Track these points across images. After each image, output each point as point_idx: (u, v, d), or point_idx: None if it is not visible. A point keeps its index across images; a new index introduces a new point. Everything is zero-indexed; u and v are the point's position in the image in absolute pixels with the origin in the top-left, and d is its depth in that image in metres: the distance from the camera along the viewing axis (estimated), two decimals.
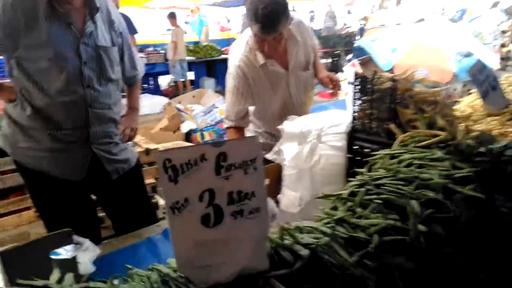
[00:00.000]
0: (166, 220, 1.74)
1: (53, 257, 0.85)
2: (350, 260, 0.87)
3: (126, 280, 0.78)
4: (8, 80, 1.65)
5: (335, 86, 2.21)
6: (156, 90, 7.91)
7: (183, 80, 8.04)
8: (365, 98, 1.57)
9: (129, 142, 1.90)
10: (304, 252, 0.82)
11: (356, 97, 1.60)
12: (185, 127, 4.42)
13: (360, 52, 6.26)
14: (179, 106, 4.61)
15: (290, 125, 1.80)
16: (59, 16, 1.56)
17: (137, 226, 1.67)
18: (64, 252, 1.30)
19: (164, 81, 8.60)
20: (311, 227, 0.98)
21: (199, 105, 4.75)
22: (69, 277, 0.75)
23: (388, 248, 0.96)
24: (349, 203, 1.09)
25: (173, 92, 7.79)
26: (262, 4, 1.76)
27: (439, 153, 1.29)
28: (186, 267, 0.73)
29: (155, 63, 7.67)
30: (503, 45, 9.25)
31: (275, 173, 1.81)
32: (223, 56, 8.59)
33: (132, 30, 7.21)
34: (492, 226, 1.15)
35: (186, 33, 8.57)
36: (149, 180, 2.76)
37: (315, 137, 1.70)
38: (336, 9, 12.82)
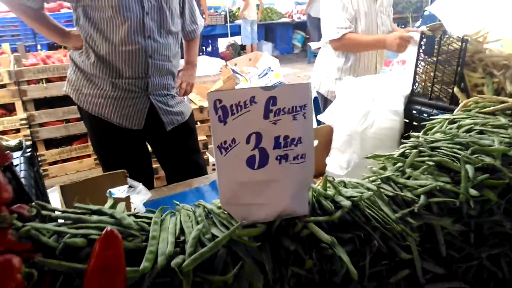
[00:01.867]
0: (214, 172, 1.80)
1: (108, 194, 0.91)
2: (392, 216, 0.86)
3: (173, 213, 0.82)
4: (74, 29, 1.74)
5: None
6: (214, 52, 7.98)
7: (252, 44, 7.99)
8: (429, 59, 1.48)
9: (185, 96, 1.95)
10: (346, 203, 0.82)
11: (420, 58, 1.52)
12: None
13: (430, 20, 5.81)
14: (234, 68, 4.64)
15: (345, 86, 1.76)
16: None
17: (188, 177, 1.74)
18: (118, 192, 1.40)
19: (222, 43, 8.64)
20: (356, 182, 0.97)
21: (255, 68, 4.74)
22: (121, 205, 0.80)
23: (435, 210, 0.93)
24: (399, 164, 1.06)
25: (230, 54, 7.82)
26: None
27: (503, 120, 1.21)
28: (229, 204, 0.76)
29: (215, 24, 7.68)
30: None
31: (327, 135, 1.80)
32: (283, 19, 8.42)
33: None
34: None
35: None
36: (201, 137, 2.83)
37: (370, 100, 1.65)
38: None
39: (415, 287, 0.90)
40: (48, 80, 3.08)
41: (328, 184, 0.89)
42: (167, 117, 1.82)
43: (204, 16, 7.17)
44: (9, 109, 3.09)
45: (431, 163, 1.02)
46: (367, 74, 2.42)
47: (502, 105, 1.26)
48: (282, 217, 0.75)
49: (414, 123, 1.54)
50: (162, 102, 1.79)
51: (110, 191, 0.97)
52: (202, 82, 5.47)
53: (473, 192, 0.94)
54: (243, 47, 7.84)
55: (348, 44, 2.31)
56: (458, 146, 1.08)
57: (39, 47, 4.60)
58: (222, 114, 0.73)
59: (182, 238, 0.73)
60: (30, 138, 3.08)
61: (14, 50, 3.47)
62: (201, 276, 0.66)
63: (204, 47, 7.92)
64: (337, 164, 1.71)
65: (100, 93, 1.74)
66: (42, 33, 1.75)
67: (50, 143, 3.27)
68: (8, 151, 0.72)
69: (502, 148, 1.06)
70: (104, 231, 0.61)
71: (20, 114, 3.05)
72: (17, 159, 1.03)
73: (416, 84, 1.55)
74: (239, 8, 8.01)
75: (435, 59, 1.45)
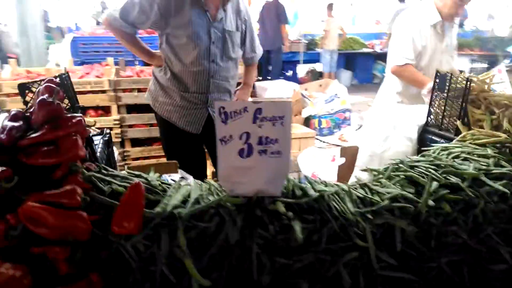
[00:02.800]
0: None
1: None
2: (352, 210, 1.11)
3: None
4: (158, 51, 2.21)
5: None
6: (294, 77, 8.39)
7: (330, 72, 8.35)
8: (442, 95, 1.68)
9: None
10: (312, 193, 1.09)
11: (435, 94, 1.72)
12: (305, 112, 4.75)
13: None
14: (304, 92, 4.95)
15: (372, 113, 1.99)
16: (199, 4, 2.03)
17: None
18: (169, 179, 1.78)
19: (303, 69, 9.03)
20: (337, 184, 1.23)
21: (324, 94, 5.01)
22: (156, 175, 1.16)
23: (396, 213, 1.15)
24: (380, 176, 1.29)
25: (308, 80, 8.16)
26: None
27: (489, 151, 1.37)
28: (224, 181, 1.07)
29: (296, 51, 8.11)
30: None
31: (354, 154, 2.03)
32: (365, 49, 8.59)
33: (284, 20, 7.79)
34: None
35: (342, 25, 8.80)
36: None
37: (391, 127, 1.86)
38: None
39: (371, 272, 1.12)
40: (139, 90, 3.69)
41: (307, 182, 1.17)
42: None
43: (284, 43, 7.67)
44: (106, 110, 3.74)
45: (402, 176, 1.24)
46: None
47: (493, 138, 1.42)
48: (258, 194, 1.05)
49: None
50: None
51: (161, 175, 1.32)
52: None
53: (430, 202, 1.15)
54: (322, 74, 8.16)
55: (406, 75, 2.53)
56: (433, 167, 1.28)
57: (136, 62, 5.37)
58: (224, 117, 1.06)
59: (188, 199, 1.06)
60: (120, 136, 3.70)
61: (116, 63, 4.18)
62: (192, 222, 0.98)
63: (284, 72, 8.37)
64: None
65: (171, 101, 2.18)
66: (133, 52, 2.24)
67: (136, 142, 3.86)
68: (88, 127, 1.12)
69: (471, 172, 1.24)
70: (134, 183, 0.96)
71: (115, 115, 3.68)
72: (98, 140, 1.45)
73: (431, 116, 1.73)
74: (322, 37, 8.38)
75: (446, 95, 1.64)
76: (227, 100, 2.20)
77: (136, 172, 1.14)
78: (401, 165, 1.30)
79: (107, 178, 1.05)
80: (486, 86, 1.59)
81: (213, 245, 0.98)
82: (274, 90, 6.63)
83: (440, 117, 1.68)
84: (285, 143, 1.07)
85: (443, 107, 1.66)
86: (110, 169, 1.14)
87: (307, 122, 4.68)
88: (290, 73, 8.63)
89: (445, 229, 1.16)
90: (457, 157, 1.39)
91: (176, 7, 2.00)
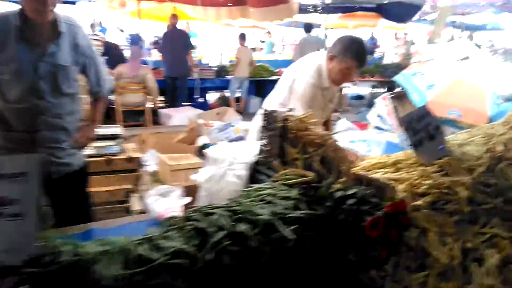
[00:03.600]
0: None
1: None
2: (118, 272, 1.00)
3: None
4: None
5: None
6: (203, 104, 8.35)
7: (242, 97, 8.49)
8: (266, 133, 1.66)
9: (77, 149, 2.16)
10: (69, 257, 0.97)
11: (262, 131, 1.70)
12: (201, 141, 4.68)
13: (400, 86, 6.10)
14: (200, 120, 4.89)
15: (213, 150, 1.94)
16: (26, 38, 1.87)
17: (72, 223, 1.90)
18: None
19: (213, 96, 9.05)
20: (114, 241, 1.12)
21: (220, 122, 4.98)
22: None
23: (174, 270, 1.07)
24: (172, 226, 1.21)
25: (218, 106, 8.17)
26: (361, 45, 2.40)
27: (292, 192, 1.36)
28: None
29: (206, 78, 8.11)
30: None
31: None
32: (274, 77, 8.82)
33: (189, 46, 7.78)
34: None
35: (252, 52, 9.02)
36: (125, 186, 3.03)
37: (227, 164, 1.82)
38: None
39: None
40: None
41: None
42: (54, 167, 2.02)
43: (191, 69, 7.65)
44: None
45: (192, 226, 1.17)
46: None
47: (301, 179, 1.41)
48: None
49: None
50: (50, 154, 2.00)
51: None
52: (176, 132, 5.71)
53: (209, 256, 1.08)
54: (229, 101, 8.24)
55: None
56: (229, 213, 1.23)
57: None
58: None
59: None
60: None
61: None
62: None
63: (194, 98, 8.31)
64: None
65: None
66: None
67: None
68: None
69: (264, 218, 1.20)
70: None
71: None
72: None
73: (261, 153, 1.71)
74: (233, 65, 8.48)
75: (268, 133, 1.63)
76: (61, 138, 2.03)
77: None
78: (195, 213, 1.23)
79: None
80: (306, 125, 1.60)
81: None
82: (178, 117, 6.52)
83: (267, 155, 1.66)
84: (29, 203, 0.94)
85: (269, 146, 1.65)
86: None
87: (202, 151, 4.60)
88: (201, 99, 8.58)
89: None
90: (262, 199, 1.36)
91: (1, 41, 1.83)
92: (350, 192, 1.32)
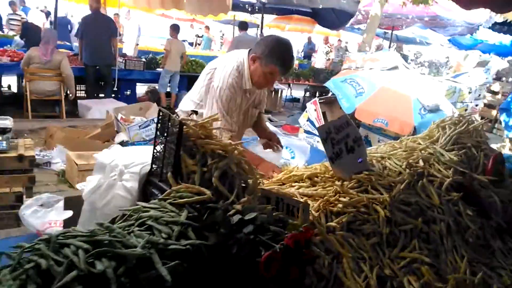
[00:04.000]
0: None
1: None
2: None
3: None
4: None
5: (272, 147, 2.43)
6: (132, 97, 7.80)
7: (171, 93, 8.03)
8: (162, 139, 1.38)
9: None
10: None
11: (156, 136, 1.42)
12: (118, 138, 4.26)
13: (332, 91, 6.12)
14: (120, 115, 4.46)
15: (104, 155, 1.62)
16: None
17: None
18: None
19: (143, 89, 8.53)
20: None
21: (143, 118, 4.59)
22: None
23: None
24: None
25: (147, 100, 7.68)
26: (287, 49, 2.14)
27: (182, 215, 1.10)
28: None
29: (133, 69, 7.58)
30: (489, 106, 9.06)
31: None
32: None
33: (114, 32, 7.17)
34: None
35: (184, 46, 8.57)
36: (16, 189, 2.58)
37: (117, 173, 1.51)
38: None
39: None
40: None
41: None
42: None
43: (115, 57, 7.08)
44: None
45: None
46: None
47: (195, 197, 1.16)
48: None
49: None
50: None
51: None
52: (94, 126, 5.22)
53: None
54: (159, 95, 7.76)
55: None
56: (88, 246, 0.94)
57: None
58: None
59: None
60: None
61: None
62: None
63: (121, 90, 7.74)
64: None
65: None
66: None
67: None
68: None
69: (135, 253, 0.93)
70: None
71: None
72: None
73: (155, 163, 1.43)
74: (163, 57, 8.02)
75: (164, 139, 1.35)
76: None
77: None
78: (41, 245, 0.93)
79: None
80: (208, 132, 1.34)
81: None
82: (99, 110, 5.97)
83: (161, 165, 1.38)
84: None
85: (163, 154, 1.37)
86: None
87: None
88: (128, 92, 8.02)
89: None
90: (143, 224, 1.09)
91: None
92: (249, 216, 1.08)
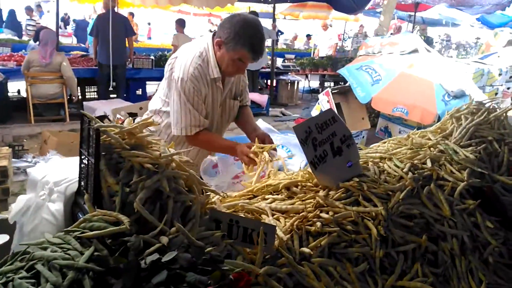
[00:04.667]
0: None
1: None
2: None
3: None
4: None
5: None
6: (141, 97, 7.62)
7: None
8: (84, 151, 1.11)
9: None
10: None
11: (81, 148, 1.15)
12: None
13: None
14: (118, 116, 4.24)
15: (37, 169, 1.37)
16: None
17: None
18: None
19: (153, 88, 8.36)
20: None
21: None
22: None
23: None
24: None
25: None
26: (258, 33, 1.86)
27: (85, 255, 0.83)
28: None
29: (141, 68, 7.39)
30: None
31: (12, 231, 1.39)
32: None
33: (129, 32, 7.04)
34: None
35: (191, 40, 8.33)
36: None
37: (47, 192, 1.26)
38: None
39: None
40: None
41: None
42: None
43: (130, 57, 6.93)
44: None
45: None
46: None
47: (107, 230, 0.89)
48: None
49: None
50: None
51: None
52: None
53: None
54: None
55: (204, 142, 2.06)
56: None
57: None
58: None
59: None
60: None
61: None
62: None
63: (131, 90, 7.58)
64: None
65: None
66: None
67: None
68: None
69: None
70: None
71: None
72: None
73: (81, 180, 1.16)
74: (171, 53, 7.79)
75: (87, 151, 1.08)
76: None
77: None
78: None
79: None
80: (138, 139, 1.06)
81: None
82: (102, 111, 5.80)
83: (86, 184, 1.12)
84: None
85: (87, 170, 1.11)
86: None
87: None
88: (139, 91, 7.85)
89: None
90: (31, 268, 0.83)
91: None
92: (167, 257, 0.80)
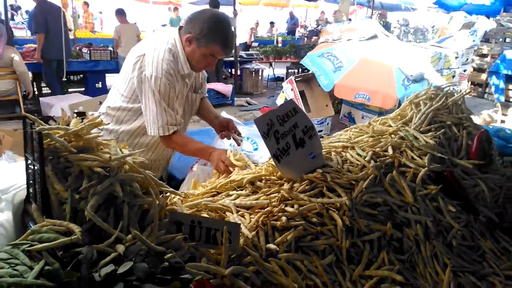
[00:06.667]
0: None
1: None
2: None
3: None
4: None
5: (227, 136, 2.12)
6: (102, 90, 7.34)
7: None
8: (29, 156, 1.03)
9: None
10: None
11: (27, 152, 1.07)
12: None
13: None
14: (78, 110, 4.08)
15: None
16: None
17: None
18: None
19: (114, 80, 8.08)
20: None
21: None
22: None
23: None
24: None
25: None
26: (229, 28, 1.85)
27: (35, 270, 0.77)
28: None
29: (99, 60, 7.12)
30: (478, 70, 8.69)
31: None
32: None
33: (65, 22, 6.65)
34: None
35: (139, 31, 8.09)
36: None
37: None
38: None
39: None
40: None
41: None
42: None
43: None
44: None
45: None
46: None
47: (56, 241, 0.82)
48: None
49: None
50: None
51: None
52: None
53: None
54: None
55: (180, 144, 1.97)
56: None
57: None
58: None
59: None
60: None
61: None
62: None
63: (89, 84, 7.29)
64: None
65: None
66: None
67: None
68: None
69: None
70: None
71: None
72: None
73: (29, 187, 1.08)
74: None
75: (33, 156, 1.00)
76: None
77: None
78: None
79: None
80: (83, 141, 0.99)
81: None
82: (60, 106, 5.54)
83: (35, 190, 1.04)
84: None
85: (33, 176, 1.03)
86: None
87: None
88: (99, 84, 7.56)
89: None
90: None
91: None
92: (123, 268, 0.75)
